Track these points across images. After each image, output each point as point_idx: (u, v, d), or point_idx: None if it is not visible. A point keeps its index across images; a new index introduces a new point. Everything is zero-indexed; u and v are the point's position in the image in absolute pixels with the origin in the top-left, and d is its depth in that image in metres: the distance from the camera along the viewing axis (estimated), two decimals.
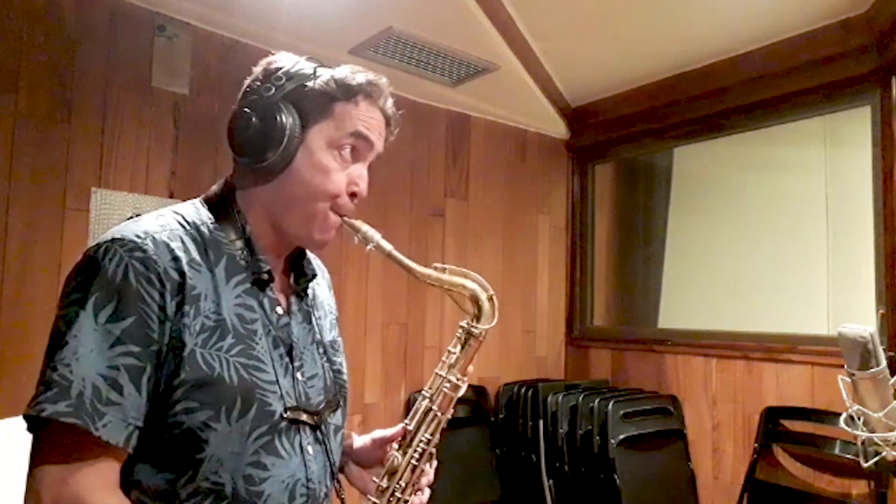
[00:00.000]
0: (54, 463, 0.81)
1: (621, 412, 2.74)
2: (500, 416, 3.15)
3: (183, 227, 0.93)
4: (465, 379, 1.05)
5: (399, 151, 2.98)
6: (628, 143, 3.44)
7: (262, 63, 1.01)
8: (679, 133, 3.19)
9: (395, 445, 1.05)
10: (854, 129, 2.60)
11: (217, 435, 0.86)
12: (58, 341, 0.82)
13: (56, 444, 0.81)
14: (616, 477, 2.64)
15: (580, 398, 2.87)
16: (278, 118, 0.94)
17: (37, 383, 0.82)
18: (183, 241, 0.90)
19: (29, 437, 0.84)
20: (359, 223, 1.00)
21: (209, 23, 2.46)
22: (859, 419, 1.57)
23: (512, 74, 2.90)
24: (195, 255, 0.90)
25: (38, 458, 0.82)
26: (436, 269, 1.03)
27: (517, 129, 3.47)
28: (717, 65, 2.82)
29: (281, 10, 2.33)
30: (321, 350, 1.05)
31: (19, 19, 2.09)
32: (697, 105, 2.98)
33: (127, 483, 0.86)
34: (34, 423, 0.82)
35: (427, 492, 1.07)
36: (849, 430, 1.58)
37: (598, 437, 2.73)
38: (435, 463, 1.07)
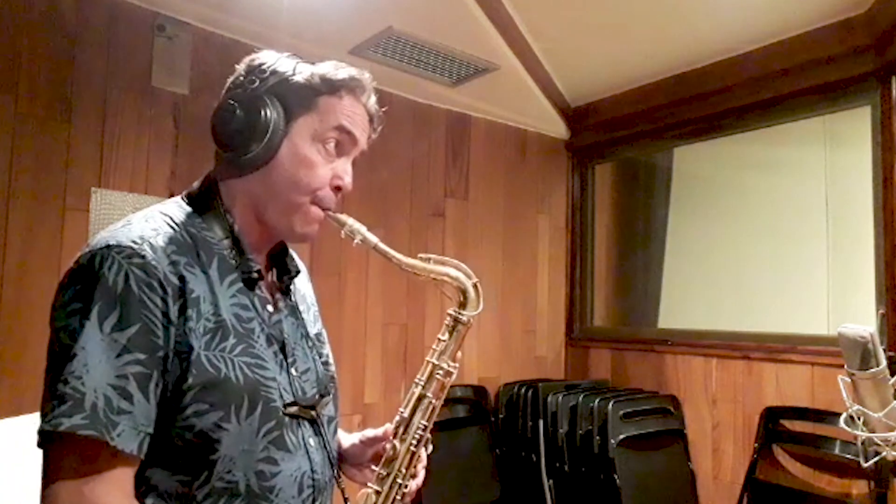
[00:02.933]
0: (70, 475, 0.80)
1: (621, 412, 2.74)
2: (500, 416, 3.15)
3: (173, 228, 0.92)
4: (456, 364, 1.08)
5: (399, 151, 2.98)
6: (628, 143, 3.44)
7: (246, 60, 1.01)
8: (679, 133, 3.19)
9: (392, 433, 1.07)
10: (854, 129, 2.59)
11: (229, 435, 0.86)
12: (64, 353, 0.81)
13: (70, 457, 0.80)
14: (616, 477, 2.64)
15: (580, 398, 2.87)
16: (262, 111, 0.94)
17: (45, 397, 0.81)
18: (177, 245, 0.90)
19: (31, 437, 0.83)
20: (343, 217, 1.01)
21: (209, 23, 2.45)
22: (859, 419, 1.57)
23: (512, 74, 2.90)
24: (189, 257, 0.90)
25: (53, 472, 0.81)
26: (420, 258, 1.06)
27: (517, 129, 3.46)
28: (717, 65, 2.82)
29: (281, 10, 2.33)
30: (310, 344, 1.07)
31: (19, 19, 2.09)
32: (697, 105, 2.97)
33: (142, 489, 0.86)
34: (48, 438, 0.81)
35: (422, 474, 1.10)
36: (849, 430, 1.57)
37: (598, 437, 2.73)
38: (430, 448, 1.10)
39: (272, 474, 0.91)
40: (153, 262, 0.85)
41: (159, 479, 0.86)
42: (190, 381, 0.85)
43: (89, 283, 0.83)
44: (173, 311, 0.85)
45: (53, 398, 0.80)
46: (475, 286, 1.08)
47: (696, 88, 2.93)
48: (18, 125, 2.07)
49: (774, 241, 2.98)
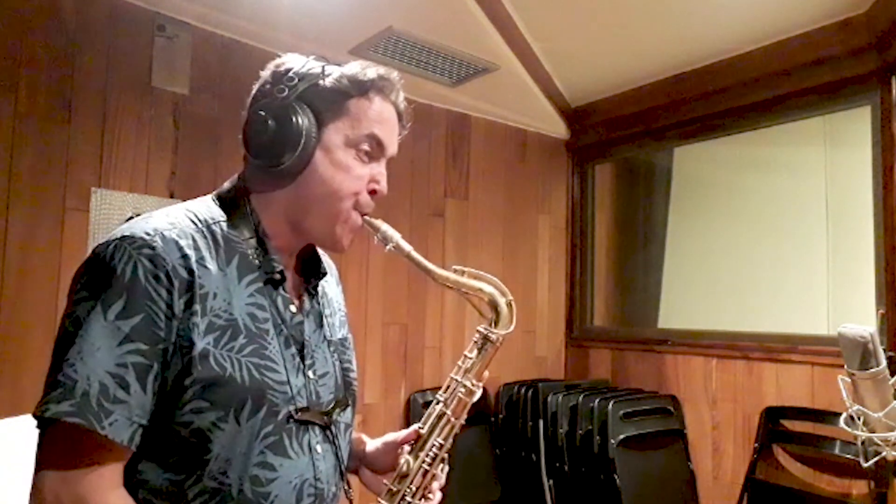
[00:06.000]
0: (58, 462, 0.81)
1: (621, 412, 2.74)
2: (500, 416, 3.15)
3: (194, 223, 0.92)
4: (481, 384, 1.04)
5: (399, 151, 2.97)
6: (628, 143, 3.44)
7: (270, 66, 1.00)
8: (679, 133, 3.19)
9: (408, 448, 1.04)
10: (854, 129, 2.59)
11: (224, 435, 0.85)
12: (66, 340, 0.82)
13: (60, 443, 0.81)
14: (616, 477, 2.64)
15: (580, 398, 2.87)
16: (294, 120, 0.93)
17: (44, 384, 0.81)
18: (193, 239, 0.89)
19: (31, 436, 0.84)
20: (378, 222, 1.00)
21: (209, 23, 2.45)
22: (859, 419, 1.57)
23: (512, 74, 2.90)
24: (205, 253, 0.90)
25: (43, 458, 0.82)
26: (455, 271, 1.03)
27: (517, 129, 3.47)
28: (717, 65, 2.82)
29: (281, 9, 2.33)
30: (331, 348, 1.05)
31: (19, 19, 2.09)
32: (697, 105, 2.97)
33: (133, 482, 0.86)
34: (41, 424, 0.82)
35: (438, 496, 1.06)
36: (849, 430, 1.58)
37: (598, 437, 2.73)
38: (447, 468, 1.06)
39: (268, 480, 0.89)
40: (162, 254, 0.85)
41: (150, 474, 0.86)
42: (192, 376, 0.84)
43: (99, 273, 0.84)
44: (178, 305, 0.85)
45: (48, 384, 0.81)
46: (509, 304, 1.04)
47: (696, 88, 2.93)
48: (18, 125, 2.07)
49: (774, 242, 2.98)
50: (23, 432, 0.84)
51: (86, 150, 2.20)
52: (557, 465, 2.88)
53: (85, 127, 2.20)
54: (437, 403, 1.04)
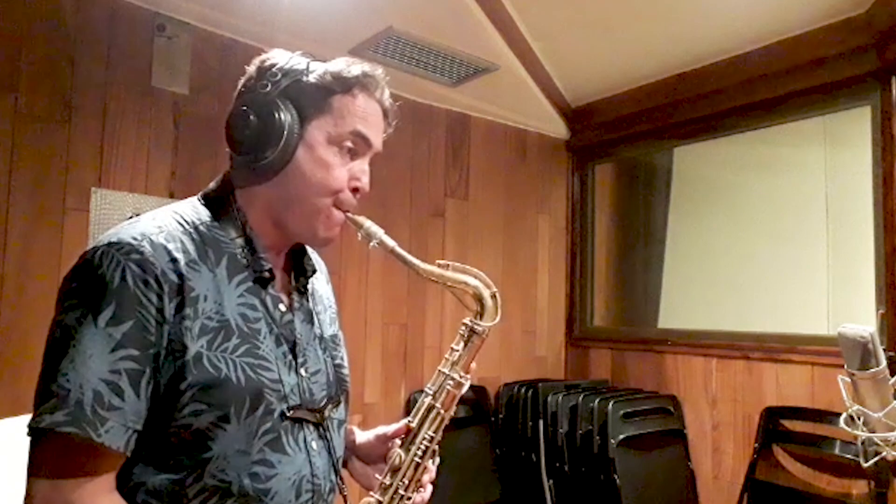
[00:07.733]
0: (51, 470, 0.80)
1: (621, 412, 2.74)
2: (500, 416, 3.15)
3: (182, 226, 0.92)
4: (469, 376, 1.05)
5: (399, 151, 2.98)
6: (628, 143, 3.44)
7: (256, 61, 1.00)
8: (679, 133, 3.19)
9: (399, 442, 1.05)
10: (854, 129, 2.59)
11: (225, 434, 0.86)
12: (56, 348, 0.81)
13: (54, 452, 0.81)
14: (616, 477, 2.64)
15: (580, 398, 2.87)
16: (276, 115, 0.93)
17: (35, 393, 0.81)
18: (182, 242, 0.89)
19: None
20: (362, 219, 1.00)
21: (209, 23, 2.45)
22: (859, 419, 1.57)
23: (512, 74, 2.90)
24: (194, 255, 0.90)
25: (36, 466, 0.81)
26: (439, 265, 1.03)
27: (517, 129, 3.46)
28: (717, 65, 2.82)
29: (281, 9, 2.33)
30: (322, 345, 1.05)
31: (19, 19, 2.09)
32: (697, 105, 2.97)
33: (131, 485, 0.86)
34: (34, 434, 0.82)
35: (429, 488, 1.07)
36: (849, 430, 1.57)
37: (598, 437, 2.73)
38: (438, 460, 1.07)
39: (267, 477, 0.89)
40: (151, 259, 0.84)
41: (148, 476, 0.86)
42: (188, 380, 0.84)
43: (88, 280, 0.83)
44: (169, 309, 0.84)
45: (40, 394, 0.80)
46: (493, 296, 1.04)
47: (696, 88, 2.93)
48: (18, 125, 2.07)
49: (774, 242, 2.97)
50: (23, 432, 0.83)
51: (86, 150, 2.20)
52: (557, 465, 2.88)
53: (85, 127, 2.20)
54: (427, 396, 1.04)
